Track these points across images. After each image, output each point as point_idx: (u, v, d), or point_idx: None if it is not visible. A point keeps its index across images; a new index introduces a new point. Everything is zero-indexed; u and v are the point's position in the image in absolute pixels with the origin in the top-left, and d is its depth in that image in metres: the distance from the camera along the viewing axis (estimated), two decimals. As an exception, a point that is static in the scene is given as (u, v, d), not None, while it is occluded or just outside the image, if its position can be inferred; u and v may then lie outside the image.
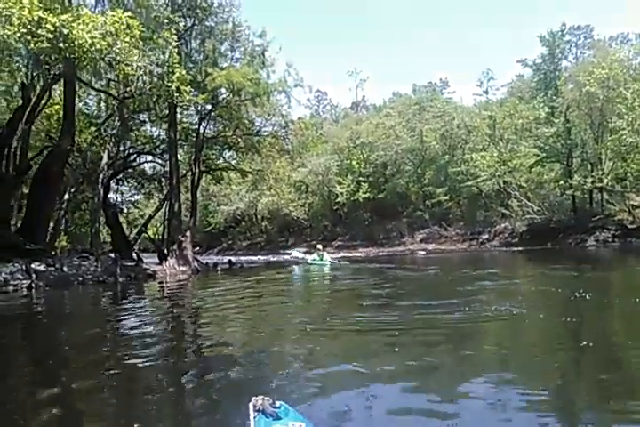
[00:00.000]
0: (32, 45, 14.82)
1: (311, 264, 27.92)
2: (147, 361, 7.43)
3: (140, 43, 16.00)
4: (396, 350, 7.54)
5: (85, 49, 14.87)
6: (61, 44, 14.68)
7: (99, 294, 17.99)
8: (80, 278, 19.58)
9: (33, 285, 17.80)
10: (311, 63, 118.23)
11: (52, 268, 19.16)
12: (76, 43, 14.83)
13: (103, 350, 8.48)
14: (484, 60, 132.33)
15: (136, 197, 41.10)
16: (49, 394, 6.05)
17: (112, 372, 7.00)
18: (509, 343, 8.35)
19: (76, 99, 24.56)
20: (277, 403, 4.13)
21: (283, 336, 9.19)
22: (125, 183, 34.55)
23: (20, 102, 21.51)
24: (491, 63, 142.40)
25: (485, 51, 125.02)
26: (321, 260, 27.61)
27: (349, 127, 64.44)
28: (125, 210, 40.09)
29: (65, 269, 19.49)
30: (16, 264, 18.22)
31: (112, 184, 31.90)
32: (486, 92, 73.86)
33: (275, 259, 41.69)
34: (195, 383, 6.65)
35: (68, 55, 14.95)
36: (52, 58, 15.41)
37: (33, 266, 18.47)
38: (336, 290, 17.47)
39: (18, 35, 14.03)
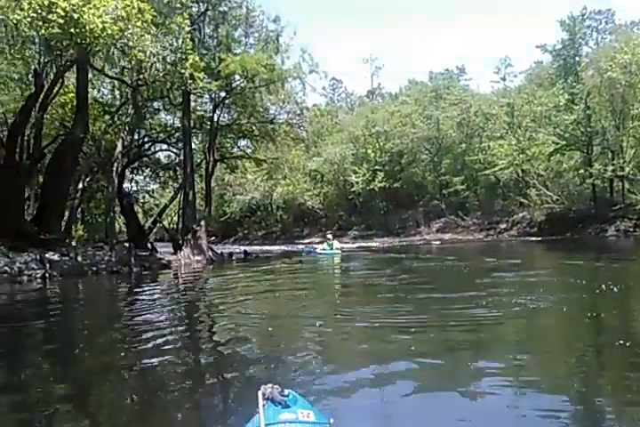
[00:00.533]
0: (43, 31, 14.53)
1: (320, 254, 28.05)
2: (160, 355, 7.22)
3: (153, 28, 15.62)
4: (412, 348, 7.05)
5: (97, 34, 14.55)
6: (72, 30, 14.35)
7: (113, 284, 17.87)
8: (94, 268, 19.41)
9: (47, 274, 17.64)
10: (325, 50, 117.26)
11: (67, 257, 19.01)
12: (87, 28, 14.51)
13: (117, 346, 8.15)
14: (502, 47, 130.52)
15: (152, 187, 40.99)
16: (63, 390, 5.96)
17: (126, 364, 6.87)
18: (530, 341, 7.82)
19: (90, 87, 24.31)
20: (286, 391, 4.13)
21: (297, 331, 8.95)
22: (140, 172, 34.31)
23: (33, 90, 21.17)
24: (508, 50, 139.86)
25: (503, 37, 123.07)
26: (331, 249, 27.78)
27: (365, 115, 63.61)
28: (141, 199, 39.90)
29: (79, 258, 19.35)
30: (30, 254, 18.10)
31: (127, 173, 31.68)
32: (504, 79, 72.49)
33: (290, 249, 41.45)
34: (209, 375, 6.61)
35: (79, 41, 14.63)
36: (64, 44, 15.10)
37: (47, 256, 18.33)
38: (349, 283, 17.02)
39: (28, 19, 13.75)
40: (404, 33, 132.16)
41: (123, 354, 7.33)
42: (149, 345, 7.86)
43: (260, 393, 3.97)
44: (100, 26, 14.19)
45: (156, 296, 14.77)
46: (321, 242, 36.08)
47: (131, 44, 14.98)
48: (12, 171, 19.63)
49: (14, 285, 16.50)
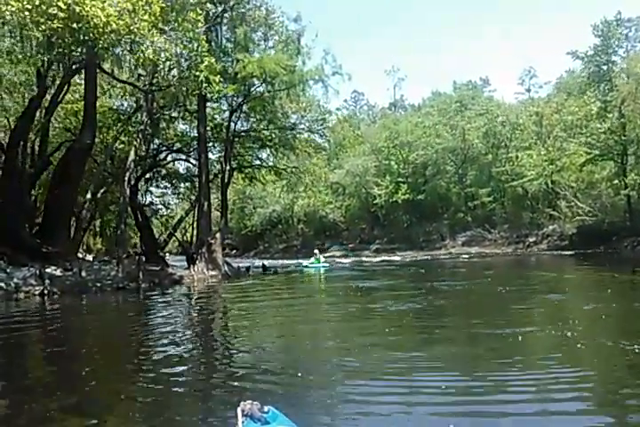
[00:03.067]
0: (43, 27, 13.38)
1: (308, 267, 29.98)
2: (169, 381, 6.63)
3: (161, 21, 14.33)
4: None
5: (101, 29, 13.35)
6: (75, 25, 13.17)
7: (116, 303, 16.42)
8: (99, 284, 17.98)
9: (46, 291, 16.24)
10: (346, 63, 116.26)
11: (70, 272, 17.63)
12: (90, 23, 13.33)
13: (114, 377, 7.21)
14: (525, 59, 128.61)
15: (169, 199, 39.79)
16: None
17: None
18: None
19: (100, 92, 23.20)
20: (266, 408, 4.14)
21: (314, 356, 8.14)
22: (156, 183, 33.02)
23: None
24: (532, 61, 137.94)
25: (526, 49, 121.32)
26: (318, 262, 30.05)
27: (388, 127, 62.44)
28: (157, 211, 38.70)
29: (83, 274, 17.94)
30: (31, 269, 16.77)
31: (141, 184, 30.52)
32: (528, 91, 71.27)
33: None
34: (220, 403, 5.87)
35: (82, 37, 13.43)
36: (66, 41, 13.91)
37: (48, 271, 17.00)
38: (369, 308, 13.08)
39: (26, 13, 12.58)
40: (426, 44, 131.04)
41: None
42: (155, 375, 7.04)
43: (239, 410, 4.02)
44: (104, 19, 13.00)
45: (159, 316, 13.37)
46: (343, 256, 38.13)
47: (138, 39, 13.73)
48: (13, 179, 18.44)
49: (10, 302, 15.06)
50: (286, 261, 41.33)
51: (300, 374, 6.70)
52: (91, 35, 13.34)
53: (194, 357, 8.29)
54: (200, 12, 17.08)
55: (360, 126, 70.35)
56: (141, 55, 14.71)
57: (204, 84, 19.04)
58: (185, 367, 7.50)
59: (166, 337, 9.88)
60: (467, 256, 40.86)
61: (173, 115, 27.41)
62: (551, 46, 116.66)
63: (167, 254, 39.64)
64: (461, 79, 71.24)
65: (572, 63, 53.48)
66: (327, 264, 31.11)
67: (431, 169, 57.65)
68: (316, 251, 33.63)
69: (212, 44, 21.62)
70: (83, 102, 23.57)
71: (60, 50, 14.83)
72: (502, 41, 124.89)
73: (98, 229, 39.51)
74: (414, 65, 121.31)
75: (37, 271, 16.64)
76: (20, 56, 17.72)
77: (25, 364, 8.53)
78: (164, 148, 29.42)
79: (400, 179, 58.01)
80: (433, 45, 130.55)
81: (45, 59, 18.02)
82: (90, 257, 29.86)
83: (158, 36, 14.28)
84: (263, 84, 23.07)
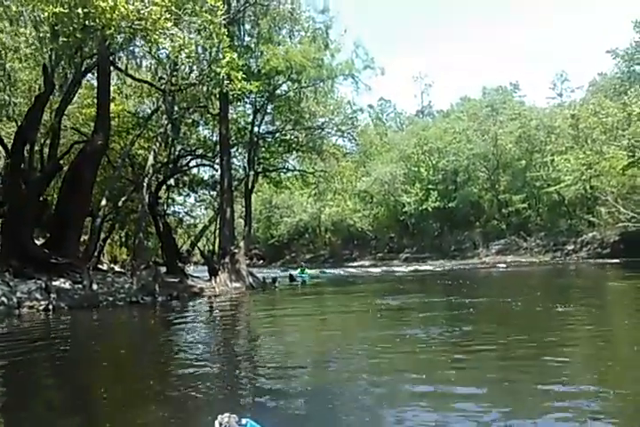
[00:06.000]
0: (46, 14, 12.12)
1: (295, 276, 30.42)
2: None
3: (174, 4, 12.94)
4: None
5: (109, 15, 12.02)
6: (79, 10, 11.86)
7: (128, 319, 14.81)
8: (110, 298, 16.46)
9: (51, 306, 14.77)
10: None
11: (79, 285, 16.15)
12: (98, 9, 12.01)
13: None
14: (554, 64, 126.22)
15: (193, 207, 38.50)
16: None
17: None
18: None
19: (117, 92, 21.97)
20: (243, 420, 4.14)
21: (343, 379, 6.92)
22: (178, 191, 31.65)
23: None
24: (562, 66, 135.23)
25: (555, 54, 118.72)
26: (302, 273, 31.48)
27: (416, 133, 61.00)
28: (182, 221, 37.39)
29: (94, 286, 16.42)
30: (38, 281, 15.37)
31: (163, 191, 29.22)
32: (560, 95, 69.41)
33: (341, 272, 38.49)
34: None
35: (88, 22, 12.10)
36: (71, 28, 12.60)
37: (56, 283, 15.56)
38: (408, 334, 10.23)
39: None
40: (452, 49, 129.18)
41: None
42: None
43: (216, 423, 4.03)
44: (111, 2, 11.68)
45: (173, 335, 11.84)
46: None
47: (150, 27, 12.36)
48: (17, 183, 17.16)
49: (11, 319, 13.52)
50: (312, 271, 39.70)
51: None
52: (97, 20, 12.01)
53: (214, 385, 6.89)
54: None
55: (387, 133, 68.92)
56: (158, 51, 13.37)
57: (226, 82, 17.67)
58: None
59: (181, 359, 8.64)
60: (503, 265, 38.89)
61: (194, 118, 26.02)
62: (581, 51, 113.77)
63: (191, 265, 38.44)
64: (491, 84, 69.25)
65: (605, 66, 51.55)
66: (310, 274, 33.53)
67: (462, 175, 56.15)
68: (303, 264, 38.74)
69: (234, 40, 20.19)
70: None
71: (66, 39, 13.53)
72: (530, 45, 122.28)
73: (123, 240, 38.46)
74: (440, 71, 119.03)
75: (44, 284, 15.25)
76: (27, 51, 16.56)
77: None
78: (185, 152, 28.00)
79: (430, 186, 56.58)
80: (461, 50, 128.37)
81: (50, 50, 16.79)
82: (116, 267, 28.70)
83: (172, 24, 12.87)
84: (288, 82, 21.54)
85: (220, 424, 3.98)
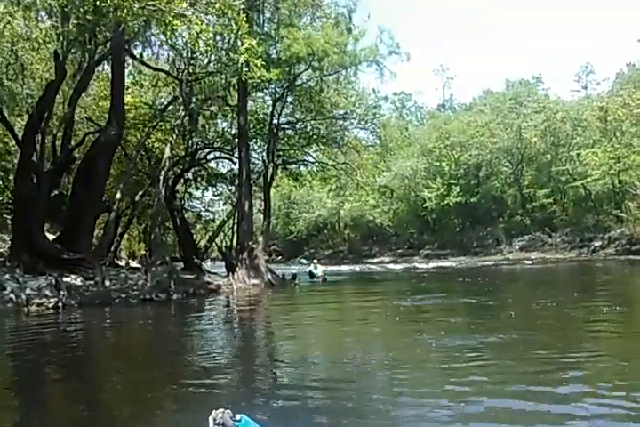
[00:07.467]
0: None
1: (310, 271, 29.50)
2: None
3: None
4: None
5: (120, -4, 11.32)
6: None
7: (141, 317, 14.02)
8: (123, 295, 15.76)
9: (60, 304, 14.08)
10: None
11: (91, 281, 15.53)
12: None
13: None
14: (578, 56, 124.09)
15: (212, 202, 37.90)
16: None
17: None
18: None
19: (132, 82, 21.28)
20: (238, 416, 4.07)
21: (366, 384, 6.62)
22: (196, 185, 30.95)
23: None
24: (586, 59, 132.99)
25: (579, 46, 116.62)
26: (315, 269, 29.81)
27: (437, 127, 59.91)
28: (200, 216, 36.76)
29: (107, 283, 15.79)
30: (49, 277, 14.75)
31: (180, 185, 28.61)
32: (585, 88, 68.03)
33: (359, 269, 37.64)
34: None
35: (99, 2, 11.39)
36: (82, 11, 11.93)
37: (67, 280, 14.94)
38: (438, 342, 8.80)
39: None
40: (474, 44, 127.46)
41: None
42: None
43: (210, 418, 3.94)
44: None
45: (187, 335, 11.14)
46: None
47: (163, 6, 11.63)
48: (28, 176, 16.57)
49: (19, 316, 12.91)
50: (334, 267, 38.89)
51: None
52: (108, 1, 11.31)
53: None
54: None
55: (408, 128, 67.91)
56: (175, 39, 12.68)
57: (245, 70, 16.98)
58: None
59: (195, 362, 8.08)
60: (529, 262, 37.76)
61: (212, 109, 25.30)
62: (604, 45, 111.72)
63: (209, 261, 37.84)
64: (514, 77, 67.96)
65: (633, 56, 50.15)
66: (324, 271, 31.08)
67: (485, 170, 55.13)
68: (315, 260, 34.96)
69: (253, 26, 19.43)
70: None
71: (76, 21, 12.89)
72: (554, 40, 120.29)
73: (142, 235, 37.94)
74: (461, 64, 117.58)
75: (54, 280, 14.63)
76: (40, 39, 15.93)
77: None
78: (204, 145, 27.31)
79: (452, 181, 55.53)
80: (483, 44, 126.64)
81: (62, 35, 16.11)
82: (134, 263, 28.16)
83: (188, 4, 12.14)
84: (309, 70, 20.73)
85: (214, 420, 3.90)
